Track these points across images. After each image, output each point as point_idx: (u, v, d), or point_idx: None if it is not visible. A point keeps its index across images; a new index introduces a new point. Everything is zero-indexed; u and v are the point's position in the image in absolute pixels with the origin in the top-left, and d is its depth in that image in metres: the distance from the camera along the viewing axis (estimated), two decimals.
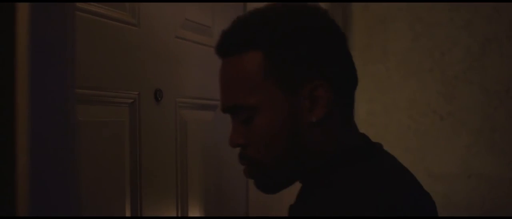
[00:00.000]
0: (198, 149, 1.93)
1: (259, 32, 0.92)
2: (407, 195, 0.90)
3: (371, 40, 2.26)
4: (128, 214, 1.60)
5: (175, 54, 1.78)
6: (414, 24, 2.23)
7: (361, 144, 0.98)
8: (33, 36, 0.91)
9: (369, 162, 0.93)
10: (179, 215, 1.84)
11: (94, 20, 1.47)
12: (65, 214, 0.94)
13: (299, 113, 0.92)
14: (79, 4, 1.38)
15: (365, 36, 2.27)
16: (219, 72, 0.97)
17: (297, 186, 1.02)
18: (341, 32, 0.98)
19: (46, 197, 0.92)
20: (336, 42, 0.95)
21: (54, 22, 0.96)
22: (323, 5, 1.93)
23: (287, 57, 0.90)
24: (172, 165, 1.81)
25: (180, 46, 1.82)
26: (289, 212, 0.97)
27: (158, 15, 1.72)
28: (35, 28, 0.92)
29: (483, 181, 2.15)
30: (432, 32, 2.21)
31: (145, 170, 1.66)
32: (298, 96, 0.92)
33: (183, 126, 1.85)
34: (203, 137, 1.96)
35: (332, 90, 0.92)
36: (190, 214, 1.88)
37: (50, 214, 0.91)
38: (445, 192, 2.18)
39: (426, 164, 2.20)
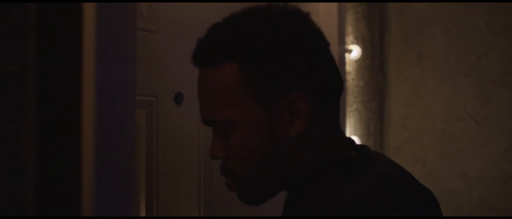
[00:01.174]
0: None
1: (233, 42, 0.88)
2: (389, 205, 0.86)
3: (407, 44, 2.26)
4: (142, 214, 1.63)
5: None
6: (450, 28, 2.23)
7: (343, 153, 0.93)
8: (98, 39, 0.94)
9: (351, 172, 0.89)
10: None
11: None
12: (125, 212, 0.98)
13: (278, 126, 0.88)
14: None
15: (401, 40, 2.27)
16: (197, 84, 0.93)
17: None
18: (322, 38, 0.92)
19: (109, 195, 0.95)
20: (316, 50, 0.90)
21: (118, 25, 0.99)
22: (361, 8, 1.94)
23: (263, 69, 0.86)
24: (194, 168, 1.80)
25: None
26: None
27: (177, 21, 1.74)
28: (101, 29, 0.95)
29: None
30: (468, 36, 2.21)
31: (162, 173, 1.68)
32: (276, 110, 0.87)
33: (206, 128, 1.85)
34: None
35: (312, 102, 0.87)
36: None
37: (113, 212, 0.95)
38: (481, 196, 2.18)
39: (462, 168, 2.20)
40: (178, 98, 1.73)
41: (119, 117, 0.98)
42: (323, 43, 0.92)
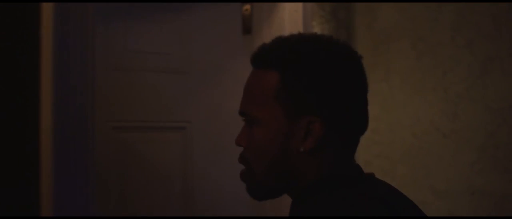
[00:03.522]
0: None
1: (283, 54, 1.00)
2: None
3: (374, 60, 2.30)
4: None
5: None
6: (416, 43, 2.27)
7: (346, 173, 1.02)
8: (56, 38, 0.96)
9: (350, 189, 0.98)
10: None
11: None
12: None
13: (293, 138, 0.99)
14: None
15: (369, 56, 2.31)
16: (247, 78, 1.07)
17: None
18: (363, 81, 1.04)
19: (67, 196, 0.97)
20: (350, 85, 1.01)
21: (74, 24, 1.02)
22: (328, 25, 1.98)
23: (297, 85, 0.98)
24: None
25: None
26: None
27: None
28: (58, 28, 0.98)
29: (486, 198, 2.17)
30: (434, 51, 2.25)
31: None
32: (297, 124, 0.98)
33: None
34: None
35: (327, 129, 0.98)
36: None
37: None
38: (449, 208, 2.21)
39: (430, 181, 2.23)
40: None
41: (76, 119, 1.00)
42: (361, 86, 1.04)
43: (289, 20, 2.04)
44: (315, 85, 0.98)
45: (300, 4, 2.07)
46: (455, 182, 2.21)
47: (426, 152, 2.24)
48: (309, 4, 2.11)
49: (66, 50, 1.03)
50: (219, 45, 2.16)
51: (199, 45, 2.14)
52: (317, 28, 2.18)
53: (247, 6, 2.13)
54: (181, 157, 2.04)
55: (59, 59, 1.04)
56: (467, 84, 2.21)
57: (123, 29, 2.09)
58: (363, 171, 1.07)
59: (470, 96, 2.20)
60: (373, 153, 2.22)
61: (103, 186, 1.88)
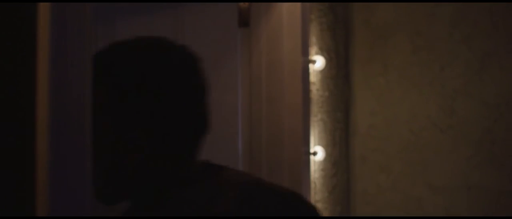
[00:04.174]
0: None
1: (111, 66, 1.04)
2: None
3: (372, 54, 2.29)
4: None
5: None
6: (414, 38, 2.26)
7: (185, 174, 1.06)
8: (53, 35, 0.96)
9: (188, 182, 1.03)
10: None
11: None
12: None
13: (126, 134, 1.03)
14: None
15: (366, 50, 2.30)
16: None
17: None
18: (195, 80, 1.08)
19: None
20: (179, 88, 1.04)
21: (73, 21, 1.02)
22: (326, 19, 1.97)
23: (124, 96, 1.01)
24: None
25: None
26: None
27: None
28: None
29: (483, 193, 2.16)
30: (431, 46, 2.24)
31: None
32: (126, 121, 1.02)
33: None
34: None
35: (158, 135, 1.01)
36: None
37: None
38: (446, 204, 2.20)
39: (426, 177, 2.22)
40: None
41: (74, 116, 1.00)
42: (195, 88, 1.08)
43: (288, 13, 2.03)
44: (142, 81, 1.01)
45: None
46: (451, 178, 2.20)
47: (422, 147, 2.24)
48: None
49: (63, 41, 1.03)
50: (213, 39, 2.15)
51: (194, 37, 2.12)
52: (315, 22, 2.18)
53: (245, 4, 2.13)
54: None
55: (55, 52, 1.04)
56: (465, 79, 2.20)
57: (115, 23, 2.08)
58: (211, 166, 1.09)
59: (467, 92, 2.20)
60: (370, 148, 2.22)
61: None
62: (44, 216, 0.96)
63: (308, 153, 2.13)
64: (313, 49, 2.17)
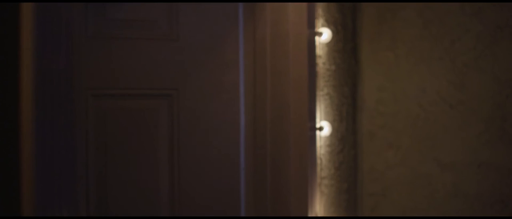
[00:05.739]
0: None
1: None
2: None
3: (380, 28, 2.23)
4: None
5: None
6: (424, 11, 2.20)
7: None
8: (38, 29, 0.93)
9: None
10: None
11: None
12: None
13: None
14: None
15: (374, 24, 2.24)
16: None
17: None
18: None
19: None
20: None
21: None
22: None
23: None
24: None
25: None
26: None
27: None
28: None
29: (493, 170, 2.12)
30: (442, 20, 2.18)
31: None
32: None
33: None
34: None
35: None
36: None
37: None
38: (455, 181, 2.16)
39: (435, 153, 2.17)
40: None
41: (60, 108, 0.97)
42: None
43: None
44: None
45: None
46: (461, 154, 2.16)
47: (432, 123, 2.18)
48: None
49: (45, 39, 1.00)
50: (213, 13, 2.09)
51: (190, 11, 2.06)
52: None
53: None
54: (167, 125, 2.00)
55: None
56: (475, 54, 2.14)
57: (105, 9, 2.04)
58: None
59: (478, 66, 2.14)
60: (378, 124, 2.17)
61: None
62: (30, 216, 0.93)
63: (314, 128, 2.09)
64: (319, 21, 2.11)
